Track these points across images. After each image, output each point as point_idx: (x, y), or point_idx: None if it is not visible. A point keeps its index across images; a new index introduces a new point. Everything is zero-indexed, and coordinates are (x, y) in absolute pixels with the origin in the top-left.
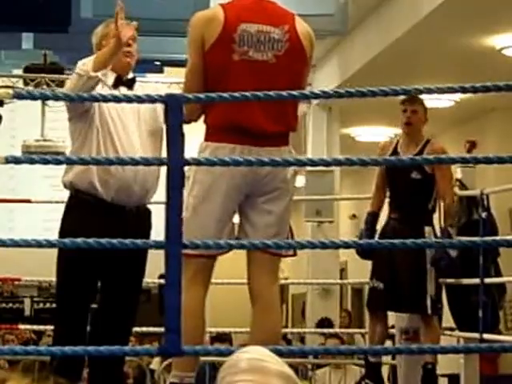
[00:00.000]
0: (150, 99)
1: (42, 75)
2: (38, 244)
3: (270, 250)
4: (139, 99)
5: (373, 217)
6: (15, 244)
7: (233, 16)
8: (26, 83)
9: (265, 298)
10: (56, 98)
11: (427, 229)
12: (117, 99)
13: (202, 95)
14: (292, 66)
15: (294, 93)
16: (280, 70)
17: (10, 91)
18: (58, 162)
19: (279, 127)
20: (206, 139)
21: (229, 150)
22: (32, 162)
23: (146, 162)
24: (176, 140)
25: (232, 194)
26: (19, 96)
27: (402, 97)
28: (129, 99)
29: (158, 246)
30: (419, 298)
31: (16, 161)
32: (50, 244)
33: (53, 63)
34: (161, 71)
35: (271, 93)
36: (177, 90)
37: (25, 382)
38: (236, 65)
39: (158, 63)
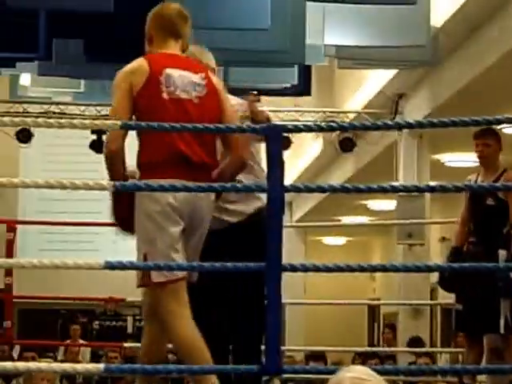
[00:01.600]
0: (252, 129)
1: None
2: (148, 268)
3: None
4: (241, 129)
5: (456, 251)
6: (123, 266)
7: (157, 63)
8: None
9: None
10: (162, 128)
11: (502, 252)
12: (221, 130)
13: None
14: (213, 106)
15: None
16: (204, 109)
17: (119, 122)
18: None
19: (210, 160)
20: (149, 176)
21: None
22: (140, 189)
23: (247, 189)
24: (276, 168)
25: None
26: (127, 126)
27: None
28: (231, 129)
29: (258, 269)
30: (493, 317)
31: (125, 188)
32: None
33: None
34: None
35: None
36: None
37: None
38: (166, 102)
39: (254, 92)
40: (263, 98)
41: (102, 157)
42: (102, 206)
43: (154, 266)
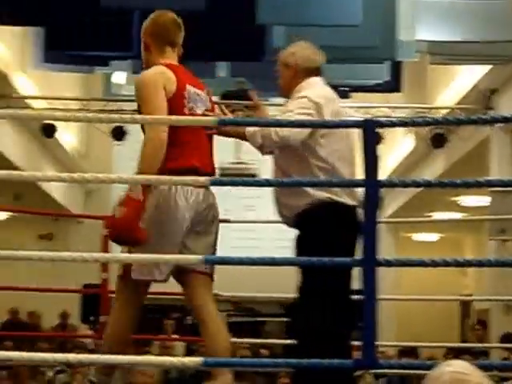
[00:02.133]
0: (346, 124)
1: (238, 102)
2: (252, 262)
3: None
4: (336, 124)
5: None
6: (223, 262)
7: (180, 77)
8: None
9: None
10: (262, 123)
11: None
12: (316, 125)
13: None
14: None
15: None
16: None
17: (215, 118)
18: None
19: (214, 170)
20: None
21: (190, 190)
22: (233, 184)
23: (343, 184)
24: (372, 162)
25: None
26: (223, 122)
27: None
28: (326, 124)
29: (355, 263)
30: None
31: (220, 183)
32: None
33: (246, 90)
34: (346, 96)
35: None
36: (362, 114)
37: None
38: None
39: (345, 89)
40: (355, 95)
41: None
42: (226, 204)
43: (250, 260)
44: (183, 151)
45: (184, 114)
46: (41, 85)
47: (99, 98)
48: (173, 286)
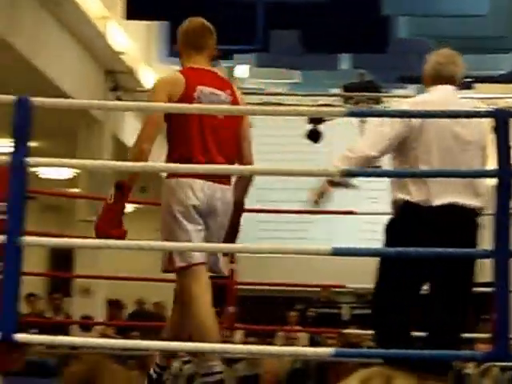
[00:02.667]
0: (478, 114)
1: (360, 94)
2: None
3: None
4: (468, 114)
5: None
6: (351, 253)
7: (191, 80)
8: (345, 101)
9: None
10: (390, 115)
11: None
12: (446, 115)
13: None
14: (234, 121)
15: None
16: (226, 123)
17: (343, 109)
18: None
19: (225, 163)
20: (174, 176)
21: (199, 185)
22: (368, 175)
23: (474, 174)
24: (505, 152)
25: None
26: (352, 113)
27: None
28: (457, 114)
29: (486, 255)
30: None
31: (353, 174)
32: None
33: (369, 82)
34: (469, 87)
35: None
36: (485, 105)
37: (411, 381)
38: (196, 116)
39: (468, 80)
40: (479, 86)
41: (318, 146)
42: None
43: (376, 251)
44: (189, 147)
45: (193, 114)
46: None
47: None
48: (296, 278)
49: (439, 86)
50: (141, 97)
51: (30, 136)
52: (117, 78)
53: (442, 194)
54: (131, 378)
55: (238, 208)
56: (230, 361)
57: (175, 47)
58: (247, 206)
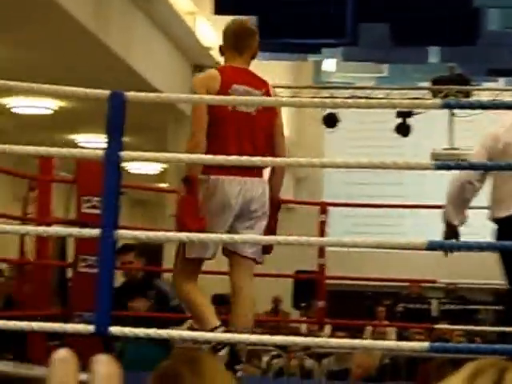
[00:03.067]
0: None
1: (449, 87)
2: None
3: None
4: None
5: None
6: (445, 247)
7: (227, 78)
8: (434, 95)
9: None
10: (486, 106)
11: None
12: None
13: None
14: (267, 118)
15: None
16: (258, 120)
17: (438, 100)
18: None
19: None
20: (207, 172)
21: (228, 181)
22: (461, 168)
23: None
24: None
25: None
26: (449, 105)
27: None
28: None
29: None
30: None
31: (447, 167)
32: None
33: (458, 75)
34: None
35: None
36: None
37: None
38: (230, 114)
39: None
40: None
41: (406, 140)
42: (405, 189)
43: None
44: (223, 143)
45: (226, 111)
46: None
47: (311, 85)
48: (386, 273)
49: None
50: None
51: (123, 130)
52: None
53: None
54: (228, 375)
55: (274, 204)
56: (319, 356)
57: (264, 41)
58: (338, 200)
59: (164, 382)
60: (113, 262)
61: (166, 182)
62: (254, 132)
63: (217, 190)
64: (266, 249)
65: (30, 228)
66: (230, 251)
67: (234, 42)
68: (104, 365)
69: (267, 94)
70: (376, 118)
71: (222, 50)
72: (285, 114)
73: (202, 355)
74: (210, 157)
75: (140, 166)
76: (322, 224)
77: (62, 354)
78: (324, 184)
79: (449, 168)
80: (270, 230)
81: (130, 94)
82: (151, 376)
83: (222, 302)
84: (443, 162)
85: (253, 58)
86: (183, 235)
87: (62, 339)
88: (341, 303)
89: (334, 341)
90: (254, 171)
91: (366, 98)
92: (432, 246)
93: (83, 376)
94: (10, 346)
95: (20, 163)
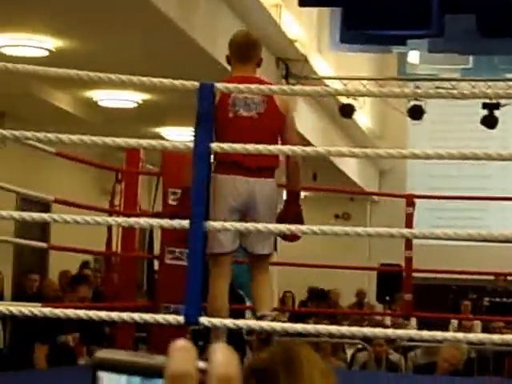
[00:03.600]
0: None
1: None
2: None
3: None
4: None
5: None
6: None
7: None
8: None
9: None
10: None
11: None
12: None
13: None
14: (271, 119)
15: None
16: (260, 123)
17: None
18: None
19: (265, 163)
20: (216, 171)
21: (231, 180)
22: None
23: None
24: None
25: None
26: None
27: None
28: None
29: None
30: None
31: None
32: None
33: None
34: None
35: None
36: None
37: None
38: (231, 120)
39: None
40: None
41: (492, 133)
42: (490, 182)
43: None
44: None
45: (227, 117)
46: (336, 65)
47: (396, 77)
48: (469, 266)
49: None
50: (313, 84)
51: (212, 122)
52: (288, 66)
53: None
54: (327, 367)
55: (291, 199)
56: (405, 349)
57: (348, 33)
58: (423, 193)
59: (258, 378)
60: (203, 252)
61: None
62: (258, 134)
63: (223, 189)
64: (290, 237)
65: (121, 219)
66: (246, 251)
67: (238, 53)
68: (222, 353)
69: (269, 98)
70: (461, 110)
71: (228, 61)
72: (368, 106)
73: (301, 355)
74: (288, 148)
75: None
76: (409, 216)
77: (182, 343)
78: (407, 177)
79: None
80: (290, 216)
81: (220, 85)
82: (245, 365)
83: (318, 296)
84: None
85: (258, 66)
86: (273, 226)
87: (149, 332)
88: (426, 297)
89: (420, 333)
90: (261, 172)
91: (452, 90)
92: None
93: (202, 364)
94: (99, 339)
95: (105, 157)
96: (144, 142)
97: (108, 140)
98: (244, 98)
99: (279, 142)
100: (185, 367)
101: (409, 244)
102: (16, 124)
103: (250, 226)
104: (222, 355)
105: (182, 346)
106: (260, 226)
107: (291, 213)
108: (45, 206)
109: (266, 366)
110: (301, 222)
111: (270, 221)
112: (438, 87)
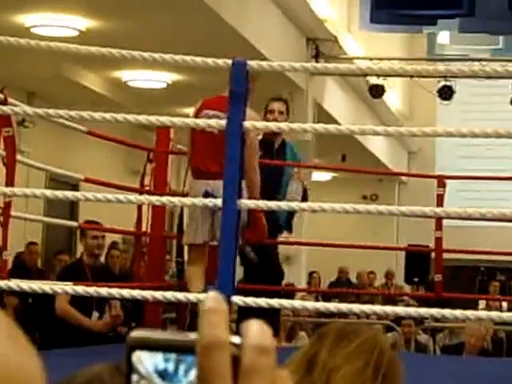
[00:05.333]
0: None
1: None
2: None
3: None
4: None
5: None
6: None
7: (204, 105)
8: None
9: None
10: None
11: None
12: None
13: None
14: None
15: None
16: (220, 137)
17: None
18: None
19: (217, 168)
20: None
21: (195, 182)
22: None
23: None
24: None
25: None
26: None
27: None
28: None
29: None
30: None
31: None
32: None
33: None
34: None
35: None
36: None
37: None
38: (198, 135)
39: None
40: None
41: None
42: None
43: None
44: (192, 154)
45: (196, 133)
46: (366, 46)
47: (426, 57)
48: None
49: None
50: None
51: (246, 100)
52: (318, 46)
53: None
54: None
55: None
56: (433, 330)
57: (379, 13)
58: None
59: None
60: (236, 231)
61: None
62: (217, 148)
63: (191, 190)
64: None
65: (153, 198)
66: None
67: None
68: (256, 325)
69: None
70: (490, 90)
71: None
72: (398, 87)
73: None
74: (314, 125)
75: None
76: (440, 197)
77: (213, 299)
78: (436, 158)
79: None
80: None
81: (253, 63)
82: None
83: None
84: None
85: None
86: (303, 205)
87: (177, 311)
88: (455, 278)
89: (449, 312)
90: (219, 175)
91: (483, 70)
92: None
93: (236, 339)
94: (129, 318)
95: (135, 138)
96: (177, 119)
97: (141, 118)
98: (211, 116)
99: None
100: (216, 336)
101: (439, 224)
102: (46, 104)
103: (281, 203)
104: (257, 327)
105: (213, 308)
106: (288, 204)
107: (252, 217)
108: (72, 186)
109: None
110: (261, 227)
111: None
112: (468, 66)
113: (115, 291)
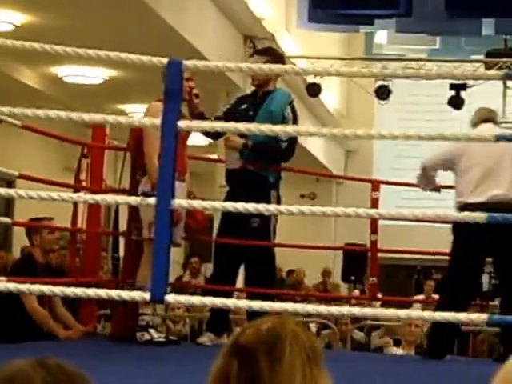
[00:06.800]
0: None
1: (503, 60)
2: None
3: None
4: None
5: None
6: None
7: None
8: (488, 68)
9: None
10: None
11: None
12: None
13: None
14: (136, 133)
15: None
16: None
17: (500, 72)
18: None
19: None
20: None
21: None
22: None
23: None
24: None
25: None
26: (509, 76)
27: None
28: None
29: None
30: None
31: (507, 139)
32: None
33: None
34: None
35: None
36: None
37: None
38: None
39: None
40: None
41: (459, 114)
42: None
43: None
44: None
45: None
46: (304, 45)
47: (363, 57)
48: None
49: None
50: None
51: (180, 99)
52: (256, 44)
53: None
54: (314, 349)
55: None
56: (369, 328)
57: (317, 12)
58: (386, 175)
59: (239, 359)
60: (169, 230)
61: (215, 153)
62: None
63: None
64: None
65: (87, 196)
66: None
67: None
68: None
69: (145, 113)
70: (428, 91)
71: None
72: (335, 86)
73: (286, 338)
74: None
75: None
76: (374, 201)
77: None
78: (374, 157)
79: (509, 140)
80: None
81: (188, 62)
82: (230, 340)
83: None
84: (503, 134)
85: None
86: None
87: (112, 308)
88: (392, 276)
89: (385, 312)
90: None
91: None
92: (491, 220)
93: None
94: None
95: (70, 134)
96: (110, 117)
97: (74, 115)
98: None
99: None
100: None
101: (374, 226)
102: None
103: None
104: None
105: None
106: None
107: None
108: (8, 183)
109: (249, 345)
110: (198, 215)
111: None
112: (404, 67)
113: (47, 288)
